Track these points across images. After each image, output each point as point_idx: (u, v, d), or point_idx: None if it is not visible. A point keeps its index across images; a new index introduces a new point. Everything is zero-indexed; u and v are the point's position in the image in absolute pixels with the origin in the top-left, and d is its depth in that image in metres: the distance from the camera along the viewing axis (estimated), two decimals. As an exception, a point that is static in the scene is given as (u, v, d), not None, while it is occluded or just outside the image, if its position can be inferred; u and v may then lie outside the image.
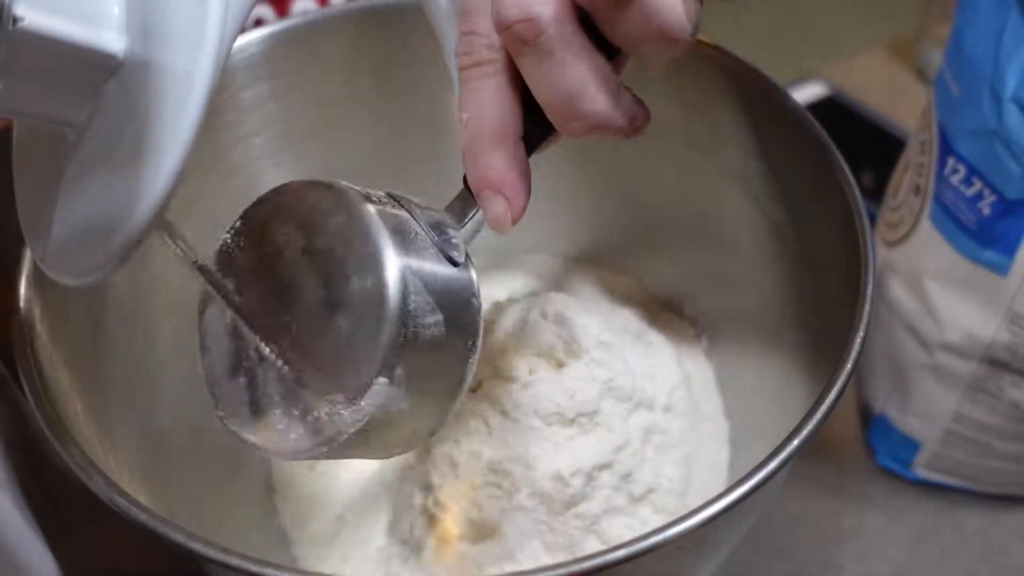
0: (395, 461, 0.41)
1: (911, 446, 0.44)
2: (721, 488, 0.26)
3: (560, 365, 0.37)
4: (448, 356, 0.28)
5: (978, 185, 0.37)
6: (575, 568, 0.25)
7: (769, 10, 0.86)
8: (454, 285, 0.28)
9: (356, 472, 0.42)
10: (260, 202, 0.28)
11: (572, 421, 0.36)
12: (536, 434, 0.36)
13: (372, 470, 0.42)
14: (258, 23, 0.43)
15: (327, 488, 0.41)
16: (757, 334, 0.41)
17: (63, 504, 0.30)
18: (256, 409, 0.27)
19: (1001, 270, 0.37)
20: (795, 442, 0.27)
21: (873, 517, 0.43)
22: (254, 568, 0.25)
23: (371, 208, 0.27)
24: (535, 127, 0.29)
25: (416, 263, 0.26)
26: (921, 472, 0.45)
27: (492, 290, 0.48)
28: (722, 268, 0.43)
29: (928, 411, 0.43)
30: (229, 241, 0.28)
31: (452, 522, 0.37)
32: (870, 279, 0.31)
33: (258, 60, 0.41)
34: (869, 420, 0.46)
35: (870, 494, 0.45)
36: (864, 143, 0.62)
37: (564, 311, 0.38)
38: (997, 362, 0.40)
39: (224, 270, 0.28)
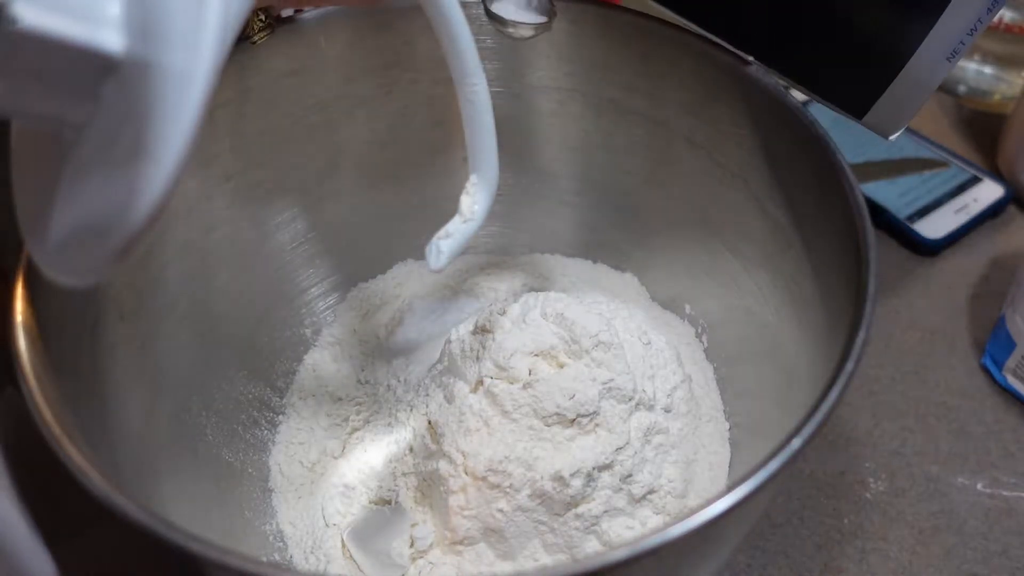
0: (393, 460, 0.41)
1: (1008, 346, 0.44)
2: (721, 488, 0.26)
3: (560, 365, 0.37)
4: None
5: None
6: (575, 568, 0.25)
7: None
8: None
9: (355, 472, 0.42)
10: None
11: (572, 422, 0.36)
12: (536, 434, 0.36)
13: (370, 470, 0.42)
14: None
15: (325, 489, 0.41)
16: (757, 334, 0.41)
17: (62, 505, 0.30)
18: None
19: None
20: (795, 442, 0.27)
21: (874, 517, 0.43)
22: (253, 569, 0.25)
23: None
24: None
25: None
26: (1009, 378, 0.45)
27: (492, 290, 0.48)
28: (722, 268, 0.43)
29: None
30: None
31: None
32: (870, 279, 0.31)
33: (258, 59, 0.40)
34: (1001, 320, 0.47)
35: (871, 494, 0.44)
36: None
37: (564, 311, 0.38)
38: None
39: None
